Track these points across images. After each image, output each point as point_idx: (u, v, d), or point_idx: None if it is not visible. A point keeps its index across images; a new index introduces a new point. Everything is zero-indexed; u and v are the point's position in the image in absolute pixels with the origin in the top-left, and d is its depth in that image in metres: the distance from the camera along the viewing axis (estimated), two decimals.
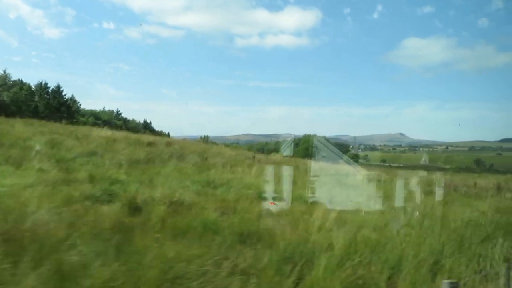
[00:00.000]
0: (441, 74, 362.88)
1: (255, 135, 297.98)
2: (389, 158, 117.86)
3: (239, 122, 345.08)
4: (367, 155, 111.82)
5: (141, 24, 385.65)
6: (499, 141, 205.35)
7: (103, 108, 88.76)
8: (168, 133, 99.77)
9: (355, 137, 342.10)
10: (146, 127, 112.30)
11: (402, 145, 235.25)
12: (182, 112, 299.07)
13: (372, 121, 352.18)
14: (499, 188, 18.05)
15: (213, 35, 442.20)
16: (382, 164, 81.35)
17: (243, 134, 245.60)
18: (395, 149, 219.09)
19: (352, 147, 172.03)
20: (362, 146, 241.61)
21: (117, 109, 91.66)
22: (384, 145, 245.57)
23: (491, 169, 65.34)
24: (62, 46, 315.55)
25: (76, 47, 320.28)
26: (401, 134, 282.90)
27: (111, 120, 79.25)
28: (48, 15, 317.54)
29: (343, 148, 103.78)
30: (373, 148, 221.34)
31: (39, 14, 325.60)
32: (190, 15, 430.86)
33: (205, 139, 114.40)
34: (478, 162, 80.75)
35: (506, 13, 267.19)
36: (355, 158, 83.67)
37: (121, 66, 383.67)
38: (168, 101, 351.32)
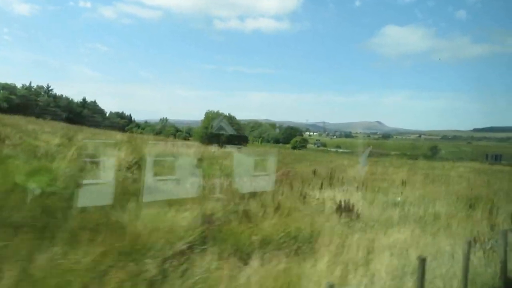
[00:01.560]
0: (418, 63, 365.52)
1: (262, 122, 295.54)
2: (349, 144, 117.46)
3: (219, 107, 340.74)
4: (318, 140, 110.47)
5: None
6: (471, 131, 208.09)
7: None
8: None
9: (334, 124, 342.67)
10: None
11: (378, 133, 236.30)
12: (161, 96, 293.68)
13: (351, 109, 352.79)
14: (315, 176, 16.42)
15: (192, 17, 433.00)
16: (334, 149, 79.97)
17: (248, 122, 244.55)
18: (369, 136, 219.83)
19: (310, 132, 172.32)
20: (337, 133, 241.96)
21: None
22: (360, 132, 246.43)
23: (440, 157, 64.93)
24: (35, 24, 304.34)
25: (49, 25, 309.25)
26: (379, 122, 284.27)
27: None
28: None
29: (294, 132, 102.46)
30: (348, 135, 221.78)
31: None
32: None
33: (164, 122, 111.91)
34: (433, 149, 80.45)
35: (483, 6, 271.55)
36: (302, 143, 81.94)
37: (98, 47, 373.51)
38: (147, 84, 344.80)
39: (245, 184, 12.12)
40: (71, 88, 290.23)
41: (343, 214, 8.97)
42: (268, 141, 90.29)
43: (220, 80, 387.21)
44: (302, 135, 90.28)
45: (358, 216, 9.05)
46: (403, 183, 17.91)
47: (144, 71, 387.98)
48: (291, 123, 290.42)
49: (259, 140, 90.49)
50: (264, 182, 12.81)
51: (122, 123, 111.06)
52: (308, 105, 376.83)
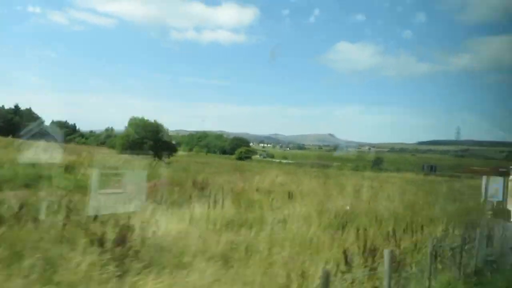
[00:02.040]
0: (367, 79, 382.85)
1: (187, 131, 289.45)
2: (297, 156, 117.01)
3: (174, 119, 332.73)
4: (265, 151, 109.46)
5: None
6: (416, 143, 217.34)
7: None
8: None
9: (286, 136, 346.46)
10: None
11: (330, 145, 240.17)
12: (115, 106, 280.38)
13: (305, 121, 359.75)
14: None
15: (147, 26, 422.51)
16: (278, 160, 77.72)
17: (174, 130, 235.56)
18: (321, 148, 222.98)
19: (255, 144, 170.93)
20: (291, 145, 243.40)
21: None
22: (313, 144, 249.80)
23: (380, 168, 64.32)
24: None
25: None
26: (331, 135, 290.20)
27: None
28: None
29: (240, 143, 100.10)
30: (300, 147, 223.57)
31: None
32: (121, 4, 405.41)
33: (109, 132, 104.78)
34: (376, 160, 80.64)
35: (427, 26, 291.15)
36: (247, 153, 79.28)
37: (47, 54, 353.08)
38: (99, 94, 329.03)
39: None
40: (16, 96, 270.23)
41: (107, 247, 5.54)
42: (214, 152, 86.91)
43: (176, 90, 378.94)
44: (248, 146, 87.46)
45: (136, 252, 5.64)
46: (302, 195, 15.08)
47: (96, 80, 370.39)
48: (246, 134, 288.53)
49: (205, 151, 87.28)
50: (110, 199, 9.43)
51: (62, 132, 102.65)
52: (263, 117, 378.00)
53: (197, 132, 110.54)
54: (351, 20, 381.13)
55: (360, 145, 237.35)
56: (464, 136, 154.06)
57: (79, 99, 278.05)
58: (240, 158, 66.16)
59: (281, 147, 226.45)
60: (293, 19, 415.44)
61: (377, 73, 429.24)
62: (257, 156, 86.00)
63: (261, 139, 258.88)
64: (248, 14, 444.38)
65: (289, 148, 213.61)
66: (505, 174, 15.92)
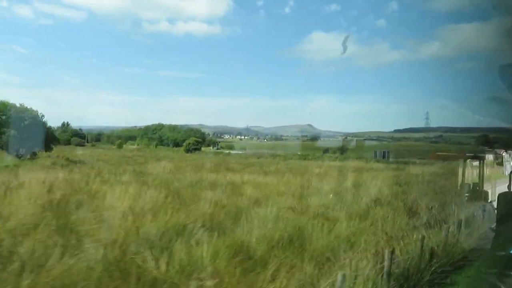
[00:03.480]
0: (342, 68, 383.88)
1: (164, 125, 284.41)
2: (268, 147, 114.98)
3: (148, 113, 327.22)
4: (218, 143, 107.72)
5: None
6: (392, 132, 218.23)
7: None
8: None
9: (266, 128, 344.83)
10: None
11: (307, 136, 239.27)
12: (86, 101, 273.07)
13: (284, 113, 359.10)
14: None
15: (118, 18, 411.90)
16: (230, 151, 74.85)
17: (152, 125, 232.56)
18: (298, 138, 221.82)
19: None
20: (268, 136, 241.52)
21: None
22: (290, 136, 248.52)
23: (334, 156, 62.47)
24: None
25: None
26: (309, 125, 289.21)
27: None
28: None
29: (194, 135, 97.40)
30: (278, 139, 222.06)
31: None
32: None
33: (65, 127, 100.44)
34: (342, 148, 79.41)
35: (400, 15, 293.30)
36: (195, 145, 76.00)
37: (14, 48, 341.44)
38: (71, 89, 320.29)
39: None
40: None
41: None
42: (168, 145, 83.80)
43: (150, 84, 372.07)
44: (201, 139, 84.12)
45: None
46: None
47: (65, 75, 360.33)
48: (225, 127, 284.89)
49: (154, 144, 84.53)
50: None
51: None
52: (241, 109, 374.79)
53: (153, 125, 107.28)
54: (325, 10, 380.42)
55: (337, 134, 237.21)
56: (437, 123, 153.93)
57: (49, 94, 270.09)
58: (188, 150, 63.30)
59: (258, 138, 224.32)
60: (267, 10, 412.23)
61: (353, 62, 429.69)
62: (210, 148, 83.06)
63: (240, 132, 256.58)
64: (222, 5, 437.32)
65: (266, 140, 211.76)
66: (480, 158, 16.32)
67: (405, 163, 40.42)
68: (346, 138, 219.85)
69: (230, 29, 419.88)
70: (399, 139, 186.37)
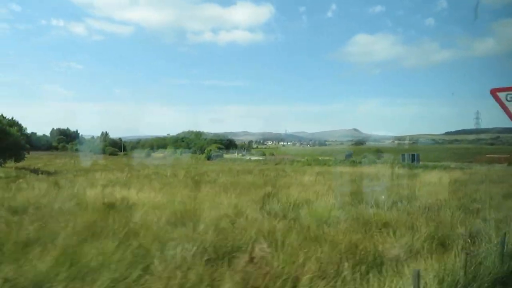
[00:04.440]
0: (389, 70, 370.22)
1: (210, 133, 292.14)
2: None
3: (196, 121, 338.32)
4: (244, 149, 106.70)
5: None
6: (443, 134, 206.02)
7: None
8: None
9: (312, 134, 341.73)
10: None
11: (352, 140, 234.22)
12: (137, 113, 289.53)
13: (328, 118, 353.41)
14: None
15: (164, 31, 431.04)
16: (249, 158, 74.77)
17: (182, 132, 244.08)
18: (342, 143, 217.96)
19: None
20: (311, 142, 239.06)
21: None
22: (335, 140, 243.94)
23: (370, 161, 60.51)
24: (5, 44, 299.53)
25: (20, 45, 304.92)
26: (355, 130, 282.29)
27: None
28: None
29: (219, 141, 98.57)
30: (322, 144, 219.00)
31: None
32: (137, 10, 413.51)
33: (103, 137, 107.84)
34: (376, 153, 76.98)
35: (449, 12, 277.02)
36: (216, 152, 76.25)
37: (72, 65, 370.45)
38: (122, 102, 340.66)
39: None
40: (44, 107, 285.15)
41: None
42: (195, 152, 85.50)
43: (196, 94, 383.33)
44: (221, 144, 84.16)
45: None
46: None
47: (117, 88, 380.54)
48: (270, 134, 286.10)
49: (179, 152, 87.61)
50: None
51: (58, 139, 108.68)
52: (285, 115, 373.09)
53: (182, 133, 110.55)
54: (370, 12, 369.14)
55: (384, 138, 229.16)
56: (493, 124, 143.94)
57: (105, 107, 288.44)
58: (209, 157, 64.60)
59: (301, 144, 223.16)
60: (310, 16, 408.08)
61: (400, 63, 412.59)
62: (235, 154, 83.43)
63: (283, 138, 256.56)
64: (263, 13, 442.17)
65: (309, 145, 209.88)
66: None
67: (434, 167, 37.84)
68: (393, 141, 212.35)
69: (272, 36, 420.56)
70: (450, 142, 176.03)
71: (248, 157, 69.87)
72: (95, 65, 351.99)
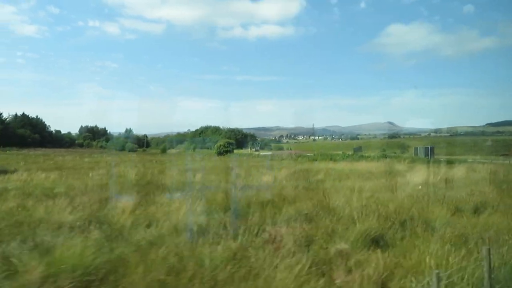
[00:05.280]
0: (424, 60, 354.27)
1: (242, 128, 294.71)
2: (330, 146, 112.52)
3: (229, 116, 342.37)
4: (258, 143, 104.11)
5: None
6: (484, 126, 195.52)
7: None
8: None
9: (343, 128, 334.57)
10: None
11: (387, 134, 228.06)
12: (171, 109, 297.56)
13: (362, 111, 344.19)
14: None
15: (194, 27, 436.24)
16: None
17: (200, 127, 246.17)
18: (375, 137, 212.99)
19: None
20: (343, 136, 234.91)
21: None
22: (370, 134, 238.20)
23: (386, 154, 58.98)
24: (45, 46, 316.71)
25: (58, 46, 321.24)
26: (390, 123, 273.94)
27: None
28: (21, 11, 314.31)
29: (236, 136, 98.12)
30: (353, 138, 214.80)
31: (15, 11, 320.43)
32: (167, 8, 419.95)
33: (128, 133, 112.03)
34: (401, 146, 74.82)
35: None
36: (227, 147, 74.41)
37: (107, 64, 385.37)
38: (156, 98, 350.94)
39: None
40: (80, 106, 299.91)
41: None
42: (210, 147, 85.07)
43: (228, 89, 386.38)
44: (231, 140, 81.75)
45: None
46: None
47: (151, 85, 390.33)
48: (300, 128, 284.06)
49: (192, 147, 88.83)
50: None
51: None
52: (317, 109, 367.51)
53: (201, 127, 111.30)
54: (404, 1, 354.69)
55: (420, 131, 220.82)
56: None
57: (140, 104, 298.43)
58: (219, 153, 64.20)
59: (332, 138, 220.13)
60: (341, 8, 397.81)
61: (436, 53, 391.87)
62: (248, 150, 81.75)
63: (314, 132, 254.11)
64: (294, 6, 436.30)
65: (341, 139, 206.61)
66: None
67: (449, 162, 34.88)
68: (429, 134, 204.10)
69: (303, 29, 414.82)
70: (490, 134, 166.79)
71: (257, 153, 69.21)
72: (129, 63, 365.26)
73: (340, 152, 55.80)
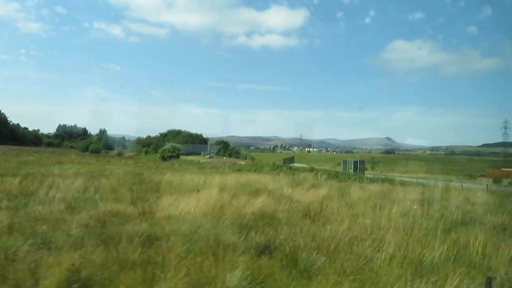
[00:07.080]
0: (427, 78, 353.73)
1: (240, 137, 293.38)
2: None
3: (227, 124, 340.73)
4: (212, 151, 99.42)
5: None
6: (479, 146, 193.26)
7: None
8: None
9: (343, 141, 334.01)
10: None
11: (383, 149, 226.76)
12: (172, 114, 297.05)
13: (361, 125, 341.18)
14: None
15: (198, 34, 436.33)
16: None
17: (227, 136, 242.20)
18: (370, 152, 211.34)
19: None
20: (338, 149, 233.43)
21: None
22: (365, 148, 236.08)
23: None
24: (50, 45, 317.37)
25: (63, 46, 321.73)
26: (388, 138, 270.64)
27: None
28: (26, 9, 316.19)
29: (195, 140, 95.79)
30: (348, 151, 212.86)
31: (20, 9, 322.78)
32: (173, 13, 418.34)
33: (101, 134, 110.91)
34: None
35: (494, 20, 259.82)
36: (171, 153, 69.87)
37: (111, 66, 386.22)
38: (157, 103, 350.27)
39: None
40: (85, 106, 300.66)
41: None
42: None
43: (230, 97, 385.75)
44: (175, 147, 77.61)
45: None
46: None
47: (154, 90, 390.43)
48: (297, 139, 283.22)
49: (144, 150, 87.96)
50: None
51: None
52: (316, 121, 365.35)
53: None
54: (409, 19, 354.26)
55: (416, 148, 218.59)
56: None
57: (141, 108, 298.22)
58: (163, 158, 61.62)
59: (327, 151, 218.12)
60: (347, 21, 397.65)
61: (438, 71, 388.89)
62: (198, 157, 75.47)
63: (311, 144, 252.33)
64: (298, 17, 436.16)
65: (335, 152, 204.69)
66: None
67: (372, 180, 30.79)
68: (424, 152, 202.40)
69: (307, 40, 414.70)
70: (486, 154, 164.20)
71: (204, 160, 64.31)
72: (133, 66, 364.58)
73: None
